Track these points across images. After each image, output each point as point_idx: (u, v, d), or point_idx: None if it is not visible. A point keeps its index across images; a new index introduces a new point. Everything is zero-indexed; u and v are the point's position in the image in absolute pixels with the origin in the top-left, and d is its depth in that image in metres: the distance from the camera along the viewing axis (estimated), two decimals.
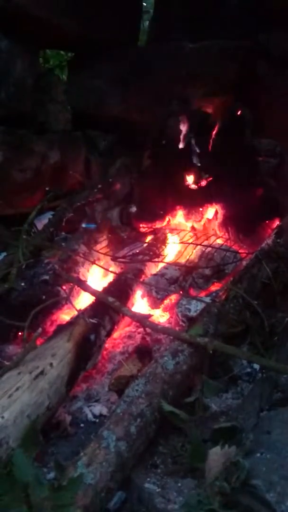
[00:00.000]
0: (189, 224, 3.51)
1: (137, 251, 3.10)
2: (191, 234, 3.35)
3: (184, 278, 2.84)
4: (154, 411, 1.61)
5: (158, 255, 3.00)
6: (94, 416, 1.90)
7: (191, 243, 3.08)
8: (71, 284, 2.52)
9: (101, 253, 3.00)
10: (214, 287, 2.80)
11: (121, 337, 2.43)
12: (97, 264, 2.86)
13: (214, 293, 2.53)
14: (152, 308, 2.67)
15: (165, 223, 3.57)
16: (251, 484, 1.32)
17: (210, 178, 3.58)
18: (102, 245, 3.19)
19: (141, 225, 3.60)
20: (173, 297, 2.73)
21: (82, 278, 2.69)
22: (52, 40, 3.71)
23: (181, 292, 2.73)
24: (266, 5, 3.43)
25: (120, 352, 2.30)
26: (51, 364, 1.81)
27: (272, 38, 3.56)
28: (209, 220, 3.49)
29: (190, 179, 3.64)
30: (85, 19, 3.44)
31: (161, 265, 2.98)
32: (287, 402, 1.72)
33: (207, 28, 3.58)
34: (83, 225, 3.44)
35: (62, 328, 2.09)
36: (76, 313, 2.20)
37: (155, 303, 2.67)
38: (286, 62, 3.45)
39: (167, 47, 3.69)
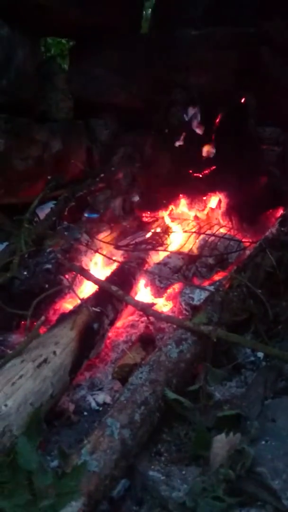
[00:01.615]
0: (192, 213, 3.49)
1: (140, 240, 3.08)
2: (194, 223, 3.33)
3: (187, 267, 2.83)
4: (158, 399, 1.60)
5: (161, 244, 2.99)
6: (98, 404, 1.90)
7: (195, 232, 3.06)
8: (74, 273, 2.50)
9: (104, 242, 2.99)
10: (217, 276, 2.79)
11: (124, 326, 2.43)
12: (100, 253, 2.84)
13: (217, 282, 2.51)
14: (156, 297, 2.66)
15: (168, 212, 3.55)
16: (256, 472, 1.31)
17: (214, 167, 3.56)
18: (105, 234, 3.17)
19: (143, 214, 3.58)
20: (177, 286, 2.71)
21: (85, 267, 2.68)
22: (53, 27, 3.66)
23: (184, 281, 2.72)
24: None
25: (124, 340, 2.30)
26: (54, 353, 1.80)
27: (275, 25, 3.52)
28: (212, 209, 3.47)
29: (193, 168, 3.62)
30: (86, 6, 3.39)
31: (164, 254, 2.96)
32: None
33: (209, 15, 3.54)
34: (86, 215, 3.43)
35: (65, 317, 2.09)
36: (79, 302, 2.20)
37: (159, 292, 2.66)
38: None
39: (169, 35, 3.65)
